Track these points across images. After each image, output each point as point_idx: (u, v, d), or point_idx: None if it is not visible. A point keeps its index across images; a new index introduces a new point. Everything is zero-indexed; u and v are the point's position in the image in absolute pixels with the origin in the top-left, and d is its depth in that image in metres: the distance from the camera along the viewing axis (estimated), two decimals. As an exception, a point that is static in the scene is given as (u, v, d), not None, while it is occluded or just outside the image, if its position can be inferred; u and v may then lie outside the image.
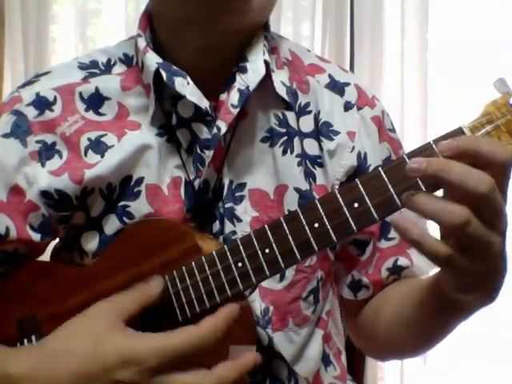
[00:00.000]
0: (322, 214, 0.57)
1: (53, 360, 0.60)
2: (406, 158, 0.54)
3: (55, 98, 0.73)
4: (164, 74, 0.69)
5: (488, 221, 0.50)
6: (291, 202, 0.74)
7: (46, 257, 0.80)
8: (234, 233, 0.72)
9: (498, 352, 1.91)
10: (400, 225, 0.51)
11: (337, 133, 0.77)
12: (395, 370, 1.92)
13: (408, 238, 0.51)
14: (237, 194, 0.74)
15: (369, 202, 0.54)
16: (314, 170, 0.76)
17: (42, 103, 0.73)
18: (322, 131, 0.77)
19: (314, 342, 0.79)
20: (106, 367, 0.58)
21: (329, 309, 0.83)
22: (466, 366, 1.95)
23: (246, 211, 0.73)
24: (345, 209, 0.55)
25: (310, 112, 0.77)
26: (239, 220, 0.73)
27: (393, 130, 0.82)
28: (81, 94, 0.74)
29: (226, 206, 0.73)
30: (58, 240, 0.79)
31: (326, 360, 0.82)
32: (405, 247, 0.80)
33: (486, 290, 0.57)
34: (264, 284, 0.73)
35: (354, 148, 0.77)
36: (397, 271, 0.79)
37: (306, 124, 0.76)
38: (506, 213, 0.52)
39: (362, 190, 0.55)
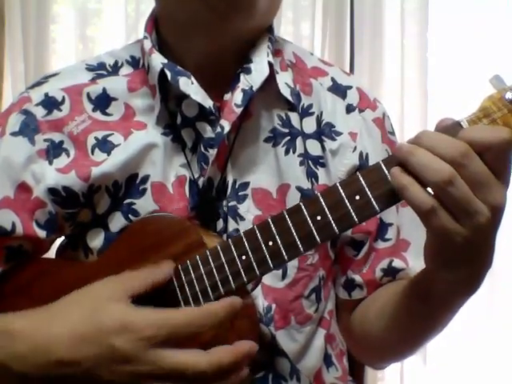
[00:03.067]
0: (324, 206, 0.57)
1: (51, 320, 0.60)
2: None
3: (63, 98, 0.75)
4: (169, 74, 0.71)
5: (473, 184, 0.50)
6: (293, 201, 0.74)
7: (50, 254, 0.80)
8: (237, 231, 0.73)
9: (498, 352, 1.91)
10: (393, 172, 0.53)
11: (339, 133, 0.77)
12: (395, 370, 1.92)
13: (396, 182, 0.52)
14: (240, 193, 0.74)
15: (370, 194, 0.55)
16: (316, 169, 0.76)
17: (50, 103, 0.74)
18: (325, 132, 0.77)
19: (316, 340, 0.79)
20: (102, 330, 0.57)
21: (331, 308, 0.83)
22: (466, 366, 1.95)
23: (249, 210, 0.74)
24: (346, 201, 0.56)
25: (312, 114, 0.78)
26: (242, 218, 0.73)
27: (392, 133, 0.83)
28: (88, 95, 0.75)
29: (230, 204, 0.74)
30: (63, 238, 0.80)
31: (327, 360, 0.82)
32: (401, 249, 0.80)
33: (469, 271, 0.56)
34: (266, 282, 0.74)
35: (355, 148, 0.77)
36: (391, 273, 0.79)
37: (309, 125, 0.77)
38: (503, 192, 0.51)
39: (362, 182, 0.56)
